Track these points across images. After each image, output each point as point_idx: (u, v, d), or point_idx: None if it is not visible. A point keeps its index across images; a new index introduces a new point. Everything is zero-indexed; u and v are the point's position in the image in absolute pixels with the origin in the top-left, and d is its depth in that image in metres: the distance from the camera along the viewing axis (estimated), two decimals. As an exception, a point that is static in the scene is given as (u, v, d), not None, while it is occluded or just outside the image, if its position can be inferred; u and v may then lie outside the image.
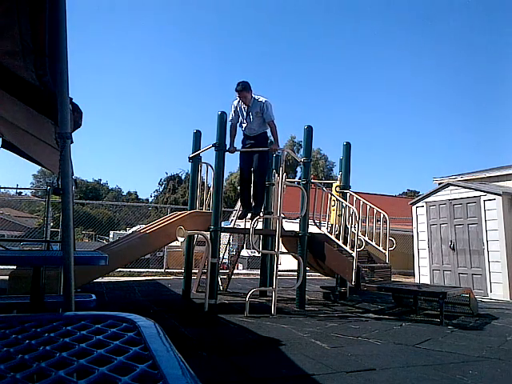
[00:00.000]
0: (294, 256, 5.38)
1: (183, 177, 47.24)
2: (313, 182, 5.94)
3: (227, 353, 3.02)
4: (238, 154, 5.71)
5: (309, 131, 5.53)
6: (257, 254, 11.28)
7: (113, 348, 0.60)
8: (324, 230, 6.10)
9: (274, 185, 5.97)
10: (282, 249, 5.71)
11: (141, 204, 35.88)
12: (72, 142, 1.67)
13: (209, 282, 4.81)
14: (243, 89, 5.35)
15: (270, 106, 5.43)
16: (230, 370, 2.64)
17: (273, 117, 5.45)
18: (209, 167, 6.17)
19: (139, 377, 0.50)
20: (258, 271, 7.19)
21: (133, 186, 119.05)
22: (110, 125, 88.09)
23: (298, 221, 5.58)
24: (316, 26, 73.78)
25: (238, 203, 6.73)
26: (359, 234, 5.62)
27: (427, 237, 8.69)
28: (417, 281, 8.78)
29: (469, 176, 9.59)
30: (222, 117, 5.20)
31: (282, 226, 5.07)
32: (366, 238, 5.80)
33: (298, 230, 5.47)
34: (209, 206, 6.08)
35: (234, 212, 10.37)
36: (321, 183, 6.51)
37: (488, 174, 9.24)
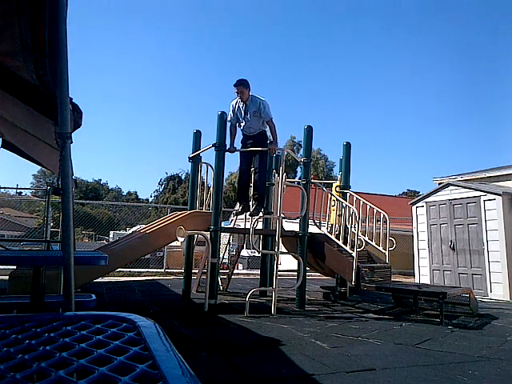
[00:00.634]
0: (294, 256, 5.38)
1: (183, 177, 47.25)
2: (313, 182, 5.94)
3: (227, 353, 3.02)
4: (238, 153, 5.72)
5: (309, 131, 5.53)
6: (257, 254, 11.28)
7: (113, 348, 0.60)
8: (324, 230, 6.10)
9: (273, 185, 5.97)
10: (282, 249, 5.71)
11: (141, 204, 35.88)
12: (72, 142, 1.67)
13: (209, 282, 4.81)
14: (241, 84, 5.37)
15: (267, 104, 5.45)
16: (230, 370, 2.64)
17: (271, 115, 5.46)
18: (209, 167, 6.17)
19: (139, 377, 0.50)
20: (258, 271, 7.19)
21: (133, 186, 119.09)
22: (110, 125, 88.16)
23: (298, 221, 5.58)
24: (316, 25, 73.86)
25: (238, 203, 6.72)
26: (359, 234, 5.62)
27: (427, 237, 8.69)
28: (417, 281, 8.77)
29: (469, 176, 9.59)
30: (222, 117, 5.20)
31: (282, 226, 5.07)
32: (366, 238, 5.80)
33: (298, 229, 5.47)
34: (209, 206, 6.08)
35: (234, 211, 10.37)
36: (321, 183, 6.51)
37: (488, 174, 9.24)
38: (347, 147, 6.48)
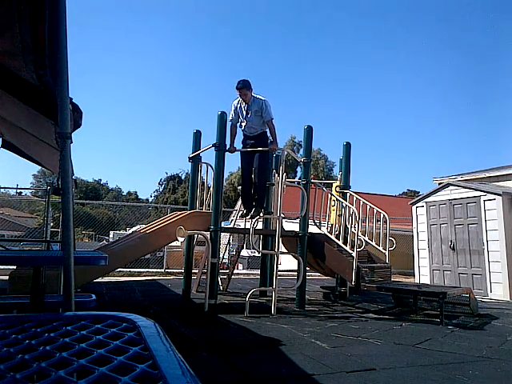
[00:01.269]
0: (294, 256, 5.38)
1: (183, 177, 47.28)
2: (313, 182, 5.94)
3: (227, 353, 3.02)
4: (238, 154, 5.72)
5: (309, 131, 5.53)
6: (257, 254, 11.28)
7: (113, 348, 0.60)
8: (324, 230, 6.10)
9: (273, 185, 5.97)
10: (282, 249, 5.71)
11: (141, 204, 35.88)
12: (72, 142, 1.67)
13: (209, 282, 4.81)
14: (244, 86, 5.36)
15: (269, 105, 5.45)
16: (230, 370, 2.64)
17: (272, 116, 5.46)
18: (209, 167, 6.17)
19: (139, 377, 0.50)
20: (258, 271, 7.19)
21: (133, 186, 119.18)
22: (110, 125, 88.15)
23: (298, 221, 5.58)
24: (316, 25, 73.85)
25: (238, 203, 6.74)
26: (359, 234, 5.62)
27: (427, 237, 8.69)
28: (417, 281, 8.77)
29: (469, 176, 9.59)
30: (222, 117, 5.20)
31: (282, 226, 5.07)
32: (366, 238, 5.80)
33: (298, 229, 5.47)
34: (209, 206, 6.08)
35: (234, 212, 10.38)
36: (321, 183, 6.51)
37: (488, 174, 9.24)
38: (347, 147, 6.48)
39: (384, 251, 5.69)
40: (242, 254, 7.99)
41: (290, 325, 4.09)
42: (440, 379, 2.58)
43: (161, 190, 50.99)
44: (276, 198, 5.31)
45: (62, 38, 1.55)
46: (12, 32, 1.55)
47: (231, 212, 13.43)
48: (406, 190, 49.69)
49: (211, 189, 5.76)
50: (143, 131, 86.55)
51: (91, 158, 76.72)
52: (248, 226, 5.64)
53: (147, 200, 53.48)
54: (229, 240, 8.74)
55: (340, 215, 6.02)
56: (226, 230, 6.06)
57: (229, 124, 5.49)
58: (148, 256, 10.33)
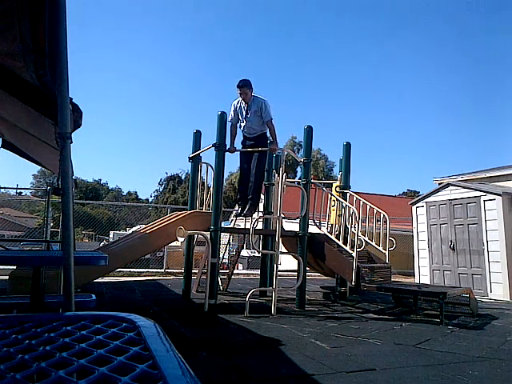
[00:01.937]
0: (293, 256, 5.38)
1: (183, 177, 47.28)
2: (313, 182, 5.94)
3: (227, 353, 3.02)
4: (238, 154, 5.72)
5: (309, 131, 5.53)
6: (257, 254, 11.28)
7: (113, 348, 0.60)
8: (324, 230, 6.10)
9: (273, 185, 5.97)
10: (282, 249, 5.71)
11: (141, 204, 35.87)
12: (72, 142, 1.67)
13: (209, 282, 4.81)
14: (244, 85, 5.38)
15: (268, 105, 5.46)
16: (230, 370, 2.63)
17: (271, 116, 5.46)
18: (209, 167, 6.17)
19: (139, 377, 0.50)
20: (258, 271, 7.19)
21: (133, 186, 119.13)
22: (109, 125, 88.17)
23: (298, 221, 5.58)
24: (316, 25, 73.83)
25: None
26: (359, 233, 5.62)
27: (427, 237, 8.69)
28: (417, 281, 8.77)
29: (469, 176, 9.58)
30: (222, 117, 5.20)
31: (282, 226, 5.07)
32: (366, 238, 5.80)
33: (298, 230, 5.47)
34: (209, 206, 6.08)
35: (234, 212, 10.37)
36: (321, 183, 6.51)
37: (488, 174, 9.24)
38: (347, 147, 6.48)
39: (384, 251, 5.69)
40: (242, 253, 7.99)
41: (290, 325, 4.09)
42: (440, 379, 2.58)
43: (161, 190, 51.00)
44: (276, 198, 5.31)
45: (61, 38, 1.55)
46: (12, 32, 1.55)
47: (231, 212, 13.41)
48: (406, 190, 49.72)
49: (211, 189, 5.76)
50: (143, 131, 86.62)
51: (91, 158, 76.75)
52: (248, 226, 5.64)
53: (147, 200, 53.53)
54: (229, 240, 8.74)
55: (340, 215, 6.02)
56: (226, 230, 6.06)
57: (229, 124, 5.49)
58: (148, 256, 10.33)
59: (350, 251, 5.30)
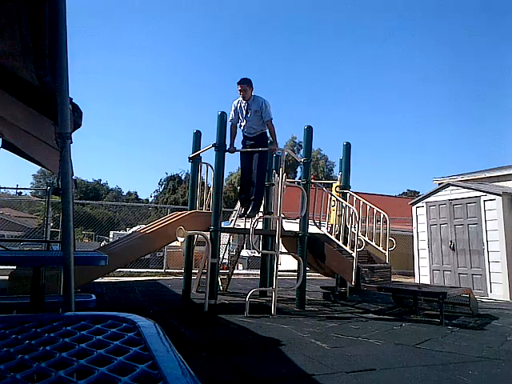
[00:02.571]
0: (293, 256, 5.38)
1: (183, 177, 47.31)
2: (313, 182, 5.94)
3: (227, 353, 3.02)
4: (238, 154, 5.72)
5: (309, 131, 5.53)
6: (257, 254, 11.27)
7: (113, 348, 0.60)
8: (324, 230, 6.10)
9: (273, 185, 5.97)
10: (282, 249, 5.71)
11: (141, 204, 35.87)
12: (72, 142, 1.67)
13: (209, 282, 4.81)
14: (244, 83, 5.39)
15: (268, 105, 5.46)
16: (230, 370, 2.63)
17: (271, 116, 5.46)
18: (209, 167, 6.17)
19: (139, 377, 0.50)
20: (258, 271, 7.19)
21: (133, 186, 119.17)
22: (109, 125, 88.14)
23: (298, 221, 5.58)
24: (317, 25, 73.83)
25: (238, 203, 6.73)
26: (359, 234, 5.62)
27: (427, 237, 8.69)
28: (417, 281, 8.77)
29: (469, 176, 9.58)
30: (222, 117, 5.20)
31: (282, 226, 5.07)
32: (366, 238, 5.80)
33: (298, 230, 5.47)
34: (209, 206, 6.08)
35: (234, 212, 10.37)
36: (321, 183, 6.51)
37: (488, 174, 9.24)
38: (347, 147, 6.48)
39: (384, 251, 5.69)
40: (242, 254, 7.99)
41: (290, 325, 4.09)
42: (440, 379, 2.59)
43: (161, 190, 51.05)
44: (276, 197, 5.31)
45: (61, 38, 1.55)
46: (12, 32, 1.55)
47: (231, 212, 13.42)
48: (406, 190, 49.69)
49: (211, 189, 5.76)
50: (143, 131, 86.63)
51: (91, 158, 76.73)
52: (248, 226, 5.64)
53: (147, 200, 53.53)
54: (229, 240, 8.73)
55: (340, 215, 6.02)
56: (225, 230, 6.05)
57: (229, 124, 5.49)
58: (148, 256, 10.32)
59: (350, 251, 5.30)
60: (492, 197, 7.52)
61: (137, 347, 0.60)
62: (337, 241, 5.68)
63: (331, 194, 6.30)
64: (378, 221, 5.83)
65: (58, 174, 1.81)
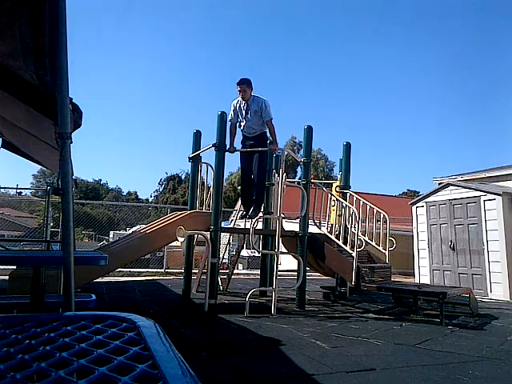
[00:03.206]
0: (293, 256, 5.38)
1: (183, 177, 47.33)
2: (313, 182, 5.94)
3: (227, 353, 3.02)
4: (238, 154, 5.72)
5: (309, 131, 5.53)
6: (257, 254, 11.27)
7: (113, 348, 0.60)
8: (324, 230, 6.10)
9: (273, 185, 5.96)
10: (282, 249, 5.71)
11: (141, 204, 35.86)
12: (72, 142, 1.67)
13: (209, 282, 4.81)
14: (244, 83, 5.39)
15: (268, 105, 5.46)
16: (230, 370, 2.63)
17: (271, 116, 5.46)
18: (209, 167, 6.17)
19: (139, 377, 0.50)
20: (258, 271, 7.19)
21: (133, 186, 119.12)
22: (109, 125, 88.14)
23: (298, 221, 5.58)
24: (318, 25, 73.82)
25: (238, 203, 6.75)
26: (359, 233, 5.62)
27: (427, 237, 8.69)
28: (417, 281, 8.77)
29: (469, 176, 9.58)
30: (222, 117, 5.20)
31: (282, 226, 5.07)
32: (366, 238, 5.80)
33: (298, 230, 5.47)
34: (209, 206, 6.08)
35: (234, 212, 10.38)
36: (321, 183, 6.51)
37: (488, 174, 9.24)
38: (347, 147, 6.48)
39: (384, 251, 5.69)
40: (242, 254, 7.98)
41: (290, 325, 4.09)
42: (440, 379, 2.58)
43: (161, 190, 51.05)
44: (276, 197, 5.31)
45: (61, 38, 1.55)
46: (12, 32, 1.55)
47: (231, 212, 13.42)
48: (406, 190, 49.71)
49: (211, 189, 5.76)
50: (143, 131, 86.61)
51: (91, 158, 76.72)
52: (248, 226, 5.64)
53: (147, 200, 53.53)
54: (229, 240, 8.74)
55: (340, 215, 6.02)
56: (225, 230, 6.06)
57: (228, 124, 5.49)
58: (148, 256, 10.33)
59: (350, 251, 5.30)
60: (492, 197, 7.52)
61: (137, 347, 0.60)
62: (337, 241, 5.68)
63: (331, 194, 6.30)
64: (378, 221, 5.83)
65: (58, 173, 1.81)
